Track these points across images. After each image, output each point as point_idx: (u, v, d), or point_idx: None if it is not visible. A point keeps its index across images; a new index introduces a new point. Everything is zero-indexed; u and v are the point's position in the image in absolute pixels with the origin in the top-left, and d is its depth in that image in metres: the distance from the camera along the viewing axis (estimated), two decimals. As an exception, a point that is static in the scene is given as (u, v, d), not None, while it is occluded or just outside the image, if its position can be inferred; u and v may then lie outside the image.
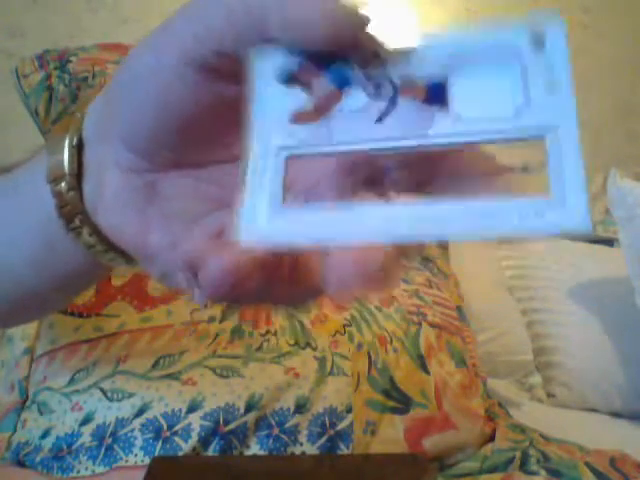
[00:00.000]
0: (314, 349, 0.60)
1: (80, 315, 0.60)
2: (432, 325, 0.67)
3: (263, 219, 0.22)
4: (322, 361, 0.59)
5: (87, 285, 0.42)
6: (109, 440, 0.53)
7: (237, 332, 0.59)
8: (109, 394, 0.55)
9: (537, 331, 1.09)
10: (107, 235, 0.28)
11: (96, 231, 0.29)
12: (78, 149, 0.29)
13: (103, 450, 0.53)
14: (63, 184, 0.28)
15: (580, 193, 0.19)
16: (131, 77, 0.26)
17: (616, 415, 0.98)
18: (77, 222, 0.29)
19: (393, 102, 0.22)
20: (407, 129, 0.22)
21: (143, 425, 0.54)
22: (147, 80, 0.25)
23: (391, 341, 0.63)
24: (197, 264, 0.24)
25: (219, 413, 0.55)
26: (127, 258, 0.30)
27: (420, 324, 0.66)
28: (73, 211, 0.29)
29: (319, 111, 0.22)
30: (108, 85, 0.29)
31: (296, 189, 0.24)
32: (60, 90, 0.81)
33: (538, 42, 0.21)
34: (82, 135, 0.29)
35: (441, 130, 0.21)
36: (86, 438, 0.54)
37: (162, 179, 0.26)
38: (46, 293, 0.37)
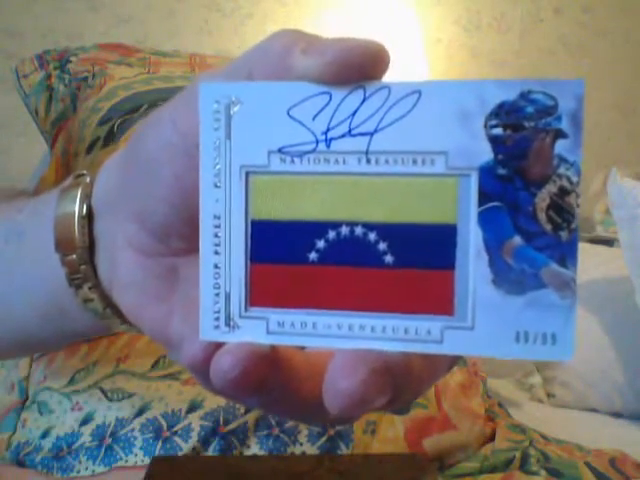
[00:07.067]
0: (314, 349, 0.60)
1: (80, 315, 0.60)
2: (432, 325, 0.67)
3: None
4: (322, 361, 0.59)
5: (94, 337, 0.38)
6: (109, 440, 0.53)
7: (237, 332, 0.59)
8: (109, 394, 0.55)
9: (537, 331, 1.09)
10: (124, 313, 0.25)
11: (110, 304, 0.26)
12: (88, 219, 0.26)
13: (103, 450, 0.53)
14: (74, 256, 0.26)
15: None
16: (149, 155, 0.23)
17: (616, 415, 0.98)
18: (89, 294, 0.26)
19: None
20: None
21: (143, 425, 0.54)
22: (168, 160, 0.22)
23: (391, 341, 0.63)
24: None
25: (219, 413, 0.55)
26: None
27: (420, 324, 0.66)
28: (85, 283, 0.26)
29: None
30: (122, 151, 0.26)
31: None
32: (60, 90, 0.81)
33: None
34: (91, 203, 0.27)
35: None
36: (86, 438, 0.54)
37: (185, 264, 0.24)
38: (50, 341, 0.34)
